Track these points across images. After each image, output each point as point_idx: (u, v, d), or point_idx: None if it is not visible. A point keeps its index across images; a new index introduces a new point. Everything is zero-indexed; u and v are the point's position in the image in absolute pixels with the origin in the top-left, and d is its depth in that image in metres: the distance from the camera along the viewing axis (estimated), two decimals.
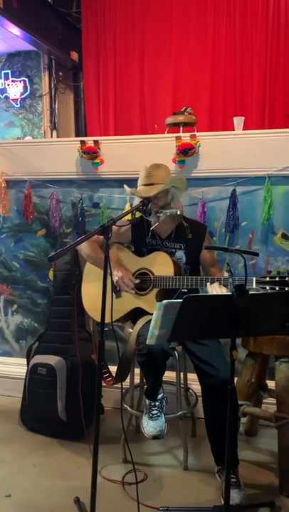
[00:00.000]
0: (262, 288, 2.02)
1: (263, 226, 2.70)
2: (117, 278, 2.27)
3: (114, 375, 2.39)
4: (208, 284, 2.10)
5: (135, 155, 2.74)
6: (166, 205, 2.30)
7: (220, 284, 2.08)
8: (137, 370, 2.43)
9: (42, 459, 2.39)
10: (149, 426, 2.14)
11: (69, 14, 6.20)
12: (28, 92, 6.57)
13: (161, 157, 2.45)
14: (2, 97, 6.70)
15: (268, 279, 2.02)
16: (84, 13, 5.91)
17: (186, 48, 5.42)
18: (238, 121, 2.99)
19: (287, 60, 5.08)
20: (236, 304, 1.56)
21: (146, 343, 1.68)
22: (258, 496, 2.07)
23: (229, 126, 3.74)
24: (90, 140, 2.87)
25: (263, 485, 2.16)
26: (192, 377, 2.52)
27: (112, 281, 2.26)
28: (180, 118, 3.18)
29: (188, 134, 2.74)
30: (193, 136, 2.69)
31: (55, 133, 6.39)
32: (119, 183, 2.55)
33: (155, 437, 2.13)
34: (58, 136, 6.36)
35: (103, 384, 2.31)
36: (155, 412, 2.17)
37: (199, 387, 2.14)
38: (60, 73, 6.39)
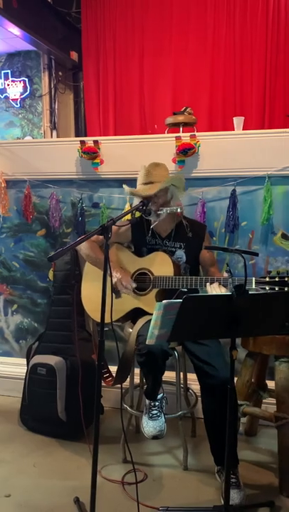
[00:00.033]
0: (261, 288, 2.02)
1: (263, 226, 2.70)
2: (116, 279, 2.27)
3: (114, 375, 2.39)
4: (207, 284, 2.10)
5: (135, 155, 2.74)
6: (166, 203, 2.30)
7: (219, 284, 2.08)
8: (137, 370, 2.43)
9: (42, 459, 2.39)
10: (149, 426, 2.14)
11: (69, 14, 6.20)
12: (27, 92, 6.58)
13: (161, 157, 2.45)
14: (2, 97, 6.71)
15: (267, 279, 2.02)
16: (84, 13, 5.91)
17: (186, 48, 5.42)
18: (237, 121, 2.99)
19: (287, 59, 5.09)
20: (236, 304, 1.56)
21: (146, 343, 1.68)
22: (258, 496, 2.07)
23: (229, 126, 3.74)
24: (89, 140, 2.87)
25: (262, 485, 2.16)
26: (192, 377, 2.52)
27: (111, 281, 2.26)
28: (180, 118, 3.18)
29: (188, 134, 2.74)
30: (193, 136, 2.69)
31: (54, 133, 6.40)
32: (119, 183, 2.54)
33: (155, 437, 2.13)
34: (57, 136, 6.36)
35: (103, 384, 2.31)
36: (155, 412, 2.17)
37: (199, 387, 2.14)
38: (60, 73, 6.39)
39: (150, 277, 2.28)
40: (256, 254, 2.06)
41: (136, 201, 2.38)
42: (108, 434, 2.53)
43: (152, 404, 2.18)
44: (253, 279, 2.05)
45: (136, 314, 2.32)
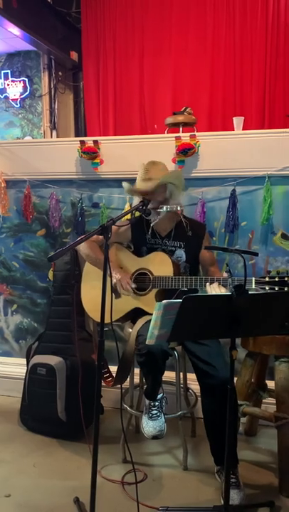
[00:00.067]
0: (261, 288, 2.02)
1: (263, 226, 2.70)
2: (115, 280, 2.27)
3: (114, 375, 2.39)
4: (207, 284, 2.10)
5: (135, 155, 2.74)
6: (165, 201, 2.30)
7: (219, 284, 2.08)
8: (137, 370, 2.43)
9: (42, 459, 2.39)
10: (149, 426, 2.14)
11: (69, 14, 6.20)
12: (27, 92, 6.57)
13: (161, 157, 2.45)
14: (2, 97, 6.70)
15: (267, 279, 2.02)
16: (84, 13, 5.91)
17: (186, 48, 5.42)
18: (237, 121, 2.99)
19: (286, 59, 5.08)
20: (236, 304, 1.56)
21: (146, 343, 1.68)
22: (258, 496, 2.07)
23: (229, 126, 3.74)
24: (89, 140, 2.87)
25: (262, 485, 2.16)
26: (192, 377, 2.52)
27: (111, 281, 2.26)
28: (180, 118, 3.18)
29: (188, 134, 2.74)
30: (192, 136, 2.69)
31: (54, 133, 6.39)
32: (119, 183, 2.54)
33: (155, 437, 2.13)
34: (57, 136, 6.36)
35: (103, 384, 2.31)
36: (155, 412, 2.17)
37: (199, 387, 2.14)
38: (60, 73, 6.39)
39: (150, 277, 2.28)
40: (256, 254, 2.06)
41: (135, 201, 2.38)
42: (108, 434, 2.53)
43: (152, 404, 2.18)
44: (253, 278, 2.05)
45: (136, 314, 2.32)
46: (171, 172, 2.37)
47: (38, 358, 2.63)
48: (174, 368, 2.31)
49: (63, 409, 2.54)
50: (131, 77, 5.68)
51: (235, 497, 1.95)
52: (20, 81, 6.57)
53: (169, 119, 3.21)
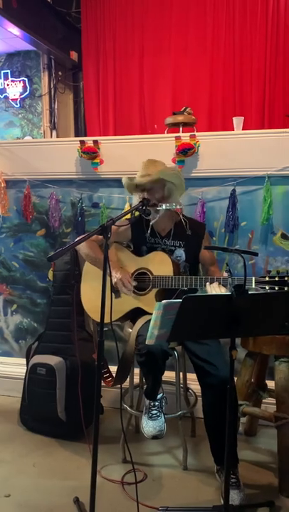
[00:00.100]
0: (261, 288, 2.02)
1: (263, 226, 2.70)
2: (116, 279, 2.27)
3: (114, 375, 2.39)
4: (207, 283, 2.10)
5: (135, 155, 2.74)
6: (164, 199, 2.29)
7: (219, 283, 2.08)
8: (137, 370, 2.43)
9: (41, 458, 2.39)
10: (149, 426, 2.14)
11: (68, 14, 6.20)
12: (27, 92, 6.57)
13: (161, 157, 2.44)
14: (2, 96, 6.70)
15: (267, 278, 2.02)
16: (83, 12, 5.91)
17: (186, 48, 5.42)
18: (237, 121, 2.99)
19: (286, 59, 5.08)
20: (236, 304, 1.56)
21: (146, 343, 1.68)
22: (258, 496, 2.07)
23: (229, 126, 3.74)
24: (89, 140, 2.87)
25: (262, 485, 2.16)
26: (192, 377, 2.52)
27: (111, 281, 2.26)
28: (179, 118, 3.18)
29: (188, 134, 2.74)
30: (192, 136, 2.69)
31: (54, 133, 6.39)
32: (119, 183, 2.54)
33: (154, 437, 2.13)
34: (57, 136, 6.36)
35: (102, 384, 2.31)
36: (155, 412, 2.17)
37: (199, 387, 2.14)
38: (60, 73, 6.39)
39: (150, 277, 2.28)
40: (256, 254, 2.06)
41: (135, 201, 2.38)
42: (108, 434, 2.53)
43: (152, 404, 2.18)
44: (253, 278, 2.05)
45: (136, 314, 2.32)
46: (171, 169, 2.36)
47: (37, 358, 2.63)
48: (173, 367, 2.31)
49: (63, 409, 2.54)
50: (131, 77, 5.69)
51: (235, 497, 1.95)
52: (20, 81, 6.57)
53: (169, 119, 3.21)
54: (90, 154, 2.84)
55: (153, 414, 2.16)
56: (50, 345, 2.68)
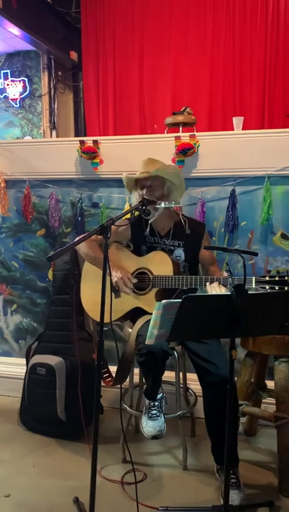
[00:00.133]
0: (261, 288, 2.02)
1: (262, 226, 2.70)
2: (116, 279, 2.27)
3: (114, 375, 2.39)
4: (207, 283, 2.10)
5: (134, 155, 2.74)
6: (163, 197, 2.30)
7: (219, 283, 2.08)
8: (136, 370, 2.43)
9: (41, 458, 2.38)
10: (149, 426, 2.14)
11: (68, 14, 6.20)
12: (27, 92, 6.57)
13: (161, 157, 2.44)
14: (1, 96, 6.70)
15: (267, 278, 2.02)
16: (83, 12, 5.92)
17: (186, 48, 5.42)
18: (237, 121, 2.99)
19: (286, 59, 5.09)
20: (235, 304, 1.56)
21: (146, 342, 1.67)
22: (257, 496, 2.07)
23: (228, 126, 3.74)
24: (89, 140, 2.87)
25: (262, 485, 2.16)
26: (191, 377, 2.52)
27: (110, 281, 2.26)
28: (179, 118, 3.18)
29: (188, 133, 2.74)
30: (192, 136, 2.69)
31: (54, 133, 6.39)
32: (119, 182, 2.54)
33: (154, 437, 2.12)
34: (57, 136, 6.36)
35: (102, 384, 2.31)
36: (154, 412, 2.16)
37: (198, 386, 2.14)
38: (60, 73, 6.39)
39: (150, 277, 2.28)
40: (256, 254, 2.06)
41: (134, 200, 2.39)
42: (108, 434, 2.53)
43: (152, 404, 2.18)
44: (253, 278, 2.05)
45: (135, 314, 2.32)
46: (171, 168, 2.36)
47: (37, 358, 2.63)
48: (173, 367, 2.31)
49: (63, 409, 2.54)
50: (131, 77, 5.69)
51: (235, 497, 1.95)
52: (19, 81, 6.57)
53: (169, 119, 3.21)
54: (90, 154, 2.84)
55: (153, 414, 2.16)
56: (50, 345, 2.68)
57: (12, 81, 6.60)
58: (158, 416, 2.15)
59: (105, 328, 1.77)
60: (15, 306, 3.23)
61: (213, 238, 2.78)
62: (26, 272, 3.18)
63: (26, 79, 6.54)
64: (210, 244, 2.52)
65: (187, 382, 2.59)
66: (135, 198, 2.38)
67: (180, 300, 1.51)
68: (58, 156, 2.98)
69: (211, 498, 2.04)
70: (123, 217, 2.21)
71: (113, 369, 2.40)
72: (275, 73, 5.09)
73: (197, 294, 2.25)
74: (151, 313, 1.63)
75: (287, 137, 2.61)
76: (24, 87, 6.57)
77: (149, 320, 1.62)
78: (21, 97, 6.60)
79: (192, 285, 2.16)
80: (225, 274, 2.08)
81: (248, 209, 2.72)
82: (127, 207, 2.82)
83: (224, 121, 5.12)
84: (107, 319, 1.74)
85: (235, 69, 5.24)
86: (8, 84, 6.63)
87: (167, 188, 2.32)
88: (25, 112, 6.66)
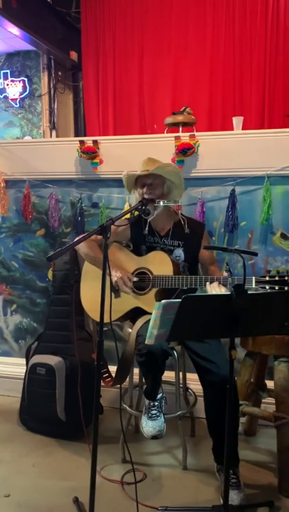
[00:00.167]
0: (261, 288, 2.02)
1: (262, 226, 2.70)
2: (115, 278, 2.27)
3: (113, 375, 2.39)
4: (207, 283, 2.10)
5: (134, 155, 2.74)
6: (163, 195, 2.30)
7: (219, 283, 2.08)
8: (136, 370, 2.43)
9: (41, 458, 2.38)
10: (148, 426, 2.14)
11: (68, 14, 6.20)
12: (27, 92, 6.57)
13: (161, 157, 2.44)
14: (1, 96, 6.70)
15: (267, 278, 2.02)
16: (83, 12, 5.92)
17: (186, 48, 5.42)
18: (237, 121, 2.99)
19: (286, 59, 5.09)
20: (235, 304, 1.56)
21: (145, 342, 1.68)
22: (257, 496, 2.07)
23: (228, 126, 3.74)
24: (89, 140, 2.87)
25: (261, 485, 2.16)
26: (191, 377, 2.53)
27: (110, 281, 2.26)
28: (179, 118, 3.18)
29: (188, 133, 2.74)
30: (192, 136, 2.69)
31: (54, 133, 6.39)
32: (119, 182, 2.54)
33: (154, 437, 2.12)
34: (57, 136, 6.36)
35: (102, 384, 2.31)
36: (154, 412, 2.16)
37: (198, 386, 2.14)
38: (60, 73, 6.39)
39: (149, 276, 2.28)
40: (255, 254, 2.06)
41: (134, 200, 2.39)
42: (107, 434, 2.53)
43: (152, 404, 2.18)
44: (253, 278, 2.05)
45: (135, 314, 2.32)
46: (171, 167, 2.36)
47: (37, 358, 2.63)
48: (173, 367, 2.31)
49: (63, 409, 2.54)
50: (130, 77, 5.69)
51: (235, 498, 1.95)
52: (19, 81, 6.57)
53: (169, 119, 3.21)
54: (90, 154, 2.84)
55: (153, 414, 2.16)
56: (50, 345, 2.68)
57: (12, 81, 6.60)
58: (158, 416, 2.15)
59: (105, 328, 1.77)
60: (15, 306, 3.23)
61: (213, 238, 2.78)
62: (26, 271, 3.18)
63: (26, 79, 6.54)
64: (209, 244, 2.52)
65: (187, 382, 2.59)
66: (135, 197, 2.39)
67: (180, 300, 1.51)
68: (57, 156, 2.98)
69: (211, 498, 2.04)
70: (123, 217, 2.21)
71: (113, 369, 2.40)
72: (275, 73, 5.09)
73: (197, 293, 2.25)
74: (151, 313, 1.63)
75: (287, 137, 2.61)
76: (24, 87, 6.57)
77: (149, 320, 1.62)
78: (21, 97, 6.60)
79: (192, 285, 2.16)
80: (225, 274, 2.08)
81: (248, 209, 2.72)
82: (126, 207, 2.82)
83: (224, 121, 5.12)
84: (106, 319, 1.74)
85: (235, 69, 5.24)
86: (8, 84, 6.63)
87: (167, 186, 2.32)
88: (25, 112, 6.66)
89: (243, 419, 2.53)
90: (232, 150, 2.67)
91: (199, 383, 2.11)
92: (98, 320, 1.75)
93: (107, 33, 5.77)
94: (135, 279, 2.28)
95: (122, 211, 2.62)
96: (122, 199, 2.88)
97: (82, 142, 2.85)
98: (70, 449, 2.46)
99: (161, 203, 2.26)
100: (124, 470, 2.26)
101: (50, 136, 6.34)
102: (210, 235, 2.72)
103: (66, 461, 2.36)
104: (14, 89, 6.59)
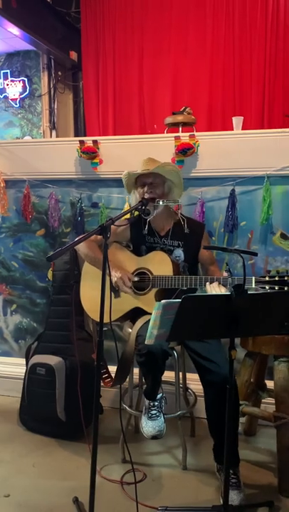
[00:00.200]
0: (261, 288, 2.02)
1: (262, 226, 2.70)
2: (115, 278, 2.27)
3: (113, 375, 2.39)
4: (207, 283, 2.10)
5: (134, 155, 2.74)
6: (163, 195, 2.31)
7: (219, 283, 2.08)
8: (136, 370, 2.43)
9: (41, 458, 2.38)
10: (148, 426, 2.14)
11: (68, 14, 6.20)
12: (27, 92, 6.57)
13: (161, 157, 2.45)
14: (1, 96, 6.70)
15: (267, 278, 2.02)
16: (83, 12, 5.92)
17: (186, 48, 5.42)
18: (237, 121, 2.99)
19: (286, 59, 5.09)
20: (235, 304, 1.56)
21: (145, 342, 1.67)
22: (257, 496, 2.07)
23: (228, 126, 3.74)
24: (89, 140, 2.87)
25: (261, 485, 2.16)
26: (191, 377, 2.53)
27: (110, 281, 2.26)
28: (179, 118, 3.18)
29: (188, 133, 2.74)
30: (192, 136, 2.69)
31: (54, 133, 6.39)
32: (118, 182, 2.54)
33: (154, 437, 2.12)
34: (57, 136, 6.36)
35: (102, 384, 2.31)
36: (154, 412, 2.16)
37: (198, 386, 2.14)
38: (60, 73, 6.39)
39: (149, 277, 2.28)
40: (255, 254, 2.06)
41: (133, 201, 2.39)
42: (107, 434, 2.53)
43: (151, 404, 2.18)
44: (253, 278, 2.05)
45: (135, 314, 2.32)
46: (171, 167, 2.36)
47: (37, 358, 2.63)
48: (173, 367, 2.31)
49: (63, 409, 2.54)
50: (130, 77, 5.69)
51: (234, 498, 1.95)
52: (19, 81, 6.57)
53: (169, 119, 3.21)
54: (90, 154, 2.84)
55: (152, 414, 2.16)
56: (50, 345, 2.68)
57: (12, 81, 6.60)
58: (158, 416, 2.15)
59: (105, 328, 1.77)
60: (14, 306, 3.23)
61: (213, 238, 2.78)
62: (26, 271, 3.18)
63: (26, 79, 6.53)
64: (209, 244, 2.52)
65: (187, 382, 2.59)
66: (135, 198, 2.39)
67: (180, 300, 1.51)
68: (57, 156, 2.98)
69: (211, 498, 2.04)
70: (122, 218, 2.21)
71: (113, 369, 2.40)
72: (275, 73, 5.09)
73: (197, 294, 2.25)
74: (150, 314, 1.63)
75: (287, 137, 2.61)
76: (24, 87, 6.57)
77: (149, 320, 1.62)
78: (21, 97, 6.60)
79: (192, 285, 2.16)
80: (225, 274, 2.08)
81: (248, 209, 2.72)
82: (126, 207, 2.82)
83: (224, 121, 5.12)
84: (106, 319, 1.74)
85: (234, 69, 5.24)
86: (7, 84, 6.62)
87: (168, 186, 2.33)
88: (25, 112, 6.65)
89: (242, 419, 2.54)
90: (232, 150, 2.67)
91: (199, 383, 2.11)
92: (98, 320, 1.75)
93: (107, 33, 5.77)
94: (136, 278, 2.28)
95: (122, 211, 2.62)
96: (122, 199, 2.88)
97: (82, 142, 2.85)
98: (70, 449, 2.46)
99: (161, 203, 2.26)
100: (124, 470, 2.26)
101: (50, 136, 6.34)
102: (210, 235, 2.72)
103: (66, 461, 2.36)
104: (14, 89, 6.59)
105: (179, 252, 2.37)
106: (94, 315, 2.43)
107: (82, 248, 2.42)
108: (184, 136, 2.71)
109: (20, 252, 3.18)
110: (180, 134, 2.82)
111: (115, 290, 2.30)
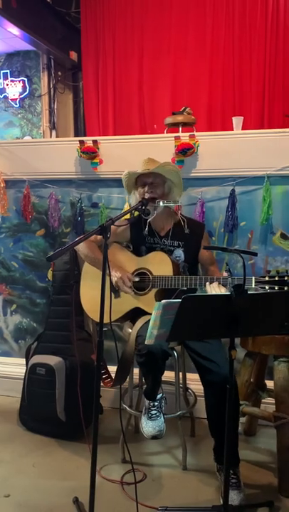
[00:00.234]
0: (261, 288, 2.02)
1: (262, 226, 2.70)
2: (115, 279, 2.27)
3: (113, 376, 2.39)
4: (207, 283, 2.10)
5: (134, 155, 2.74)
6: (163, 195, 2.31)
7: (219, 283, 2.08)
8: (136, 370, 2.43)
9: (41, 459, 2.38)
10: (148, 426, 2.14)
11: (68, 14, 6.20)
12: (27, 92, 6.58)
13: (161, 157, 2.44)
14: (1, 96, 6.70)
15: (267, 278, 2.02)
16: (83, 12, 5.92)
17: (186, 48, 5.42)
18: (236, 121, 2.99)
19: (285, 59, 5.09)
20: (235, 304, 1.56)
21: (145, 343, 1.67)
22: (257, 496, 2.07)
23: (228, 126, 3.74)
24: (88, 140, 2.87)
25: (261, 485, 2.16)
26: (191, 377, 2.53)
27: (110, 281, 2.26)
28: (179, 118, 3.18)
29: (187, 133, 2.74)
30: (192, 136, 2.69)
31: (54, 133, 6.39)
32: (118, 183, 2.54)
33: (154, 437, 2.12)
34: (57, 136, 6.36)
35: (102, 384, 2.31)
36: (154, 412, 2.16)
37: (198, 386, 2.14)
38: (59, 73, 6.39)
39: (149, 277, 2.28)
40: (255, 254, 2.06)
41: (133, 201, 2.39)
42: (107, 434, 2.53)
43: (151, 404, 2.18)
44: (253, 278, 2.05)
45: (135, 314, 2.32)
46: (171, 167, 2.36)
47: (37, 358, 2.63)
48: (173, 367, 2.31)
49: (62, 409, 2.54)
50: (130, 77, 5.69)
51: (235, 498, 1.95)
52: (19, 81, 6.57)
53: (169, 119, 3.21)
54: (90, 154, 2.84)
55: (152, 415, 2.16)
56: (50, 345, 2.68)
57: (12, 81, 6.60)
58: (158, 416, 2.15)
59: (105, 329, 1.77)
60: (14, 306, 3.23)
61: (213, 238, 2.78)
62: (26, 272, 3.18)
63: (26, 79, 6.54)
64: (209, 244, 2.52)
65: (187, 382, 2.59)
66: (134, 198, 2.39)
67: (180, 300, 1.51)
68: (57, 156, 2.98)
69: (211, 498, 2.04)
70: (122, 218, 2.21)
71: (113, 369, 2.40)
72: (275, 73, 5.09)
73: (197, 294, 2.25)
74: (150, 314, 1.63)
75: (287, 137, 2.61)
76: (24, 87, 6.57)
77: (149, 320, 1.62)
78: (21, 97, 6.60)
79: (192, 285, 2.16)
80: (225, 274, 2.08)
81: (248, 209, 2.72)
82: (126, 207, 2.82)
83: (224, 121, 5.12)
84: (106, 319, 1.74)
85: (234, 69, 5.24)
86: (7, 84, 6.63)
87: (168, 186, 2.33)
88: (25, 112, 6.66)
89: (242, 419, 2.54)
90: (232, 150, 2.67)
91: (199, 383, 2.11)
92: (98, 320, 1.75)
93: (107, 33, 5.77)
94: (136, 278, 2.28)
95: (122, 211, 2.62)
96: (122, 199, 2.88)
97: (82, 142, 2.85)
98: (70, 449, 2.46)
99: (161, 203, 2.26)
100: (124, 470, 2.26)
101: (50, 136, 6.34)
102: (210, 235, 2.73)
103: (66, 461, 2.36)
104: (14, 89, 6.60)
105: (179, 253, 2.37)
106: (94, 315, 2.43)
107: (82, 248, 2.42)
108: (184, 136, 2.72)
109: (20, 252, 3.18)
110: (180, 134, 2.82)
111: (115, 290, 2.30)
